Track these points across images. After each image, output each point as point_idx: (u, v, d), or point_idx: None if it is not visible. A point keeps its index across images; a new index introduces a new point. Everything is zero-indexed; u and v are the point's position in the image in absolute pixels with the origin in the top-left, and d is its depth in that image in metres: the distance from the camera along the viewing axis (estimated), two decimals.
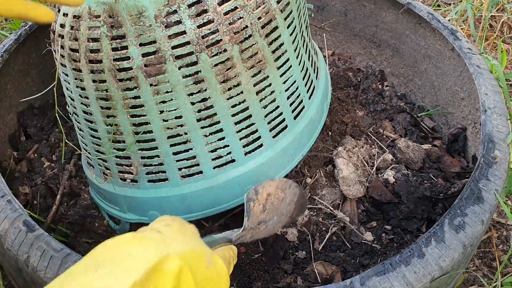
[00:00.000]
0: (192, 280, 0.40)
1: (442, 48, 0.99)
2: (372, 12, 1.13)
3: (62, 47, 0.60)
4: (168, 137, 0.60)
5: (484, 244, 1.00)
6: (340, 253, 0.76)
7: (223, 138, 0.61)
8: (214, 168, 0.63)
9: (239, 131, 0.62)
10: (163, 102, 0.58)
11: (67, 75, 0.63)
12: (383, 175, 0.86)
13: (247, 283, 0.71)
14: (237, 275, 0.71)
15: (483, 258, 0.98)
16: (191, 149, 0.61)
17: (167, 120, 0.59)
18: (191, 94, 0.58)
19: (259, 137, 0.63)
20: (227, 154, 0.62)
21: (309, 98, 0.70)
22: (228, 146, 0.62)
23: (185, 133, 0.60)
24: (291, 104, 0.66)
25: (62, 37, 0.60)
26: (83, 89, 0.61)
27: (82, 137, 0.68)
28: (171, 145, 0.61)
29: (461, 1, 1.52)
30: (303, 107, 0.69)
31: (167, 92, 0.57)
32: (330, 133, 0.90)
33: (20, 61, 0.96)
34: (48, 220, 0.78)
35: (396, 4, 1.06)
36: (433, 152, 0.91)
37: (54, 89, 0.69)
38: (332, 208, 0.81)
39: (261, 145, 0.64)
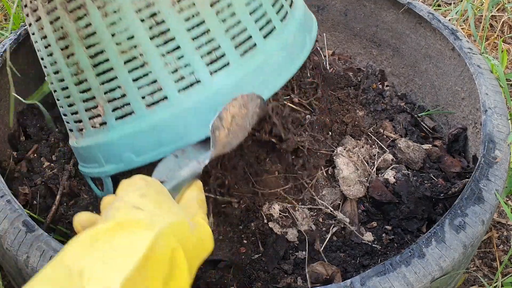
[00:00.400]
0: (184, 258, 0.38)
1: (443, 48, 0.99)
2: (372, 12, 1.13)
3: (25, 5, 0.62)
4: (125, 62, 0.58)
5: (484, 244, 1.00)
6: (341, 253, 0.76)
7: (182, 57, 0.58)
8: (178, 91, 0.59)
9: (199, 47, 0.58)
10: (113, 24, 0.56)
11: (34, 34, 0.64)
12: (383, 175, 0.86)
13: (247, 283, 0.71)
14: (237, 275, 0.71)
15: (483, 258, 0.98)
16: (150, 72, 0.58)
17: (120, 43, 0.57)
18: (139, 10, 0.56)
19: (223, 54, 0.59)
20: (190, 74, 0.58)
21: (281, 21, 0.66)
22: (189, 65, 0.58)
23: (141, 55, 0.57)
24: (256, 21, 0.62)
25: None
26: (45, 37, 0.61)
27: (58, 99, 0.68)
28: (130, 71, 0.58)
29: (461, 1, 1.52)
30: (274, 28, 0.65)
31: (114, 12, 0.56)
32: (330, 133, 0.90)
33: (20, 61, 0.96)
34: (48, 220, 0.78)
35: (396, 4, 1.06)
36: (433, 152, 0.91)
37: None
38: (332, 209, 0.81)
39: (227, 64, 0.59)
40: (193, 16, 0.58)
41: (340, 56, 1.21)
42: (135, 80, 0.58)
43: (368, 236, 0.78)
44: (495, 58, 1.35)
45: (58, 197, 0.82)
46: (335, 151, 0.86)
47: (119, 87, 0.59)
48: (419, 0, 1.48)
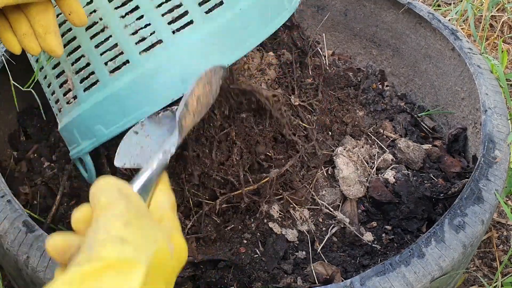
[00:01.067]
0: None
1: (443, 48, 0.99)
2: (372, 12, 1.13)
3: None
4: (86, 29, 0.57)
5: (484, 244, 1.00)
6: (340, 253, 0.76)
7: (142, 17, 0.56)
8: (140, 53, 0.57)
9: (159, 5, 0.56)
10: None
11: None
12: (383, 175, 0.86)
13: (247, 283, 0.71)
14: (237, 275, 0.71)
15: (483, 258, 0.98)
16: (111, 36, 0.57)
17: None
18: None
19: (186, 12, 0.57)
20: (151, 34, 0.56)
21: None
22: (149, 24, 0.56)
23: (100, 19, 0.57)
24: None
25: None
26: None
27: (42, 84, 0.68)
28: (91, 38, 0.57)
29: (461, 1, 1.52)
30: None
31: None
32: (330, 133, 0.90)
33: (20, 61, 0.96)
34: (48, 220, 0.78)
35: (396, 4, 1.06)
36: (433, 152, 0.91)
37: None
38: (332, 209, 0.81)
39: (191, 22, 0.57)
40: None
41: (340, 56, 1.21)
42: (97, 46, 0.57)
43: (368, 236, 0.78)
44: (495, 58, 1.35)
45: (58, 197, 0.82)
46: (335, 151, 0.86)
47: (83, 56, 0.58)
48: (419, 0, 1.48)
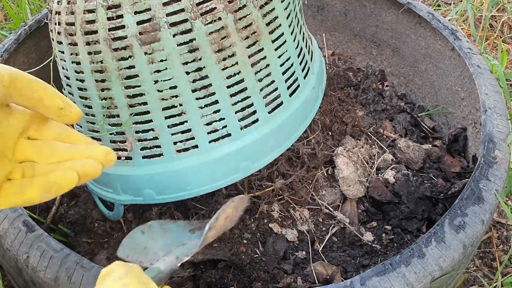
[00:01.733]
0: None
1: (443, 48, 0.99)
2: (372, 12, 1.13)
3: (58, 23, 0.60)
4: (163, 109, 0.59)
5: (484, 244, 1.00)
6: (340, 253, 0.76)
7: (218, 111, 0.60)
8: (209, 142, 0.62)
9: (235, 103, 0.61)
10: (158, 71, 0.57)
11: (63, 53, 0.63)
12: (383, 175, 0.86)
13: (247, 283, 0.71)
14: (237, 275, 0.71)
15: (483, 258, 0.98)
16: (186, 121, 0.60)
17: (161, 91, 0.58)
18: (186, 63, 0.57)
19: (254, 111, 0.63)
20: (223, 127, 0.62)
21: (304, 77, 0.70)
22: (223, 119, 0.61)
23: (180, 105, 0.59)
24: (286, 80, 0.65)
25: (59, 13, 0.60)
26: (78, 63, 0.61)
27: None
28: (166, 118, 0.60)
29: (461, 1, 1.52)
30: (298, 85, 0.68)
31: (161, 60, 0.57)
32: (330, 133, 0.90)
33: (20, 61, 0.96)
34: (48, 220, 0.78)
35: (396, 4, 1.06)
36: (433, 152, 0.91)
37: (51, 64, 0.69)
38: (331, 210, 0.81)
39: (256, 120, 0.63)
40: (234, 74, 0.60)
41: (340, 56, 1.21)
42: (170, 126, 0.60)
43: (368, 236, 0.78)
44: (495, 58, 1.35)
45: (58, 197, 0.82)
46: (335, 151, 0.86)
47: (152, 129, 0.61)
48: (419, 0, 1.48)
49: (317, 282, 0.71)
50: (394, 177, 0.85)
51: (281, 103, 0.65)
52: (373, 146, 0.91)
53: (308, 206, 0.81)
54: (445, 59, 0.99)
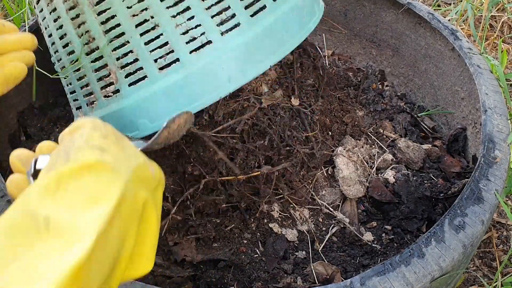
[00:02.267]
0: (154, 210, 0.36)
1: (442, 48, 0.99)
2: (372, 12, 1.13)
3: None
4: (136, 26, 0.58)
5: (484, 244, 1.00)
6: (340, 253, 0.76)
7: (192, 17, 0.58)
8: (190, 52, 0.59)
9: (209, 7, 0.59)
10: None
11: (42, 11, 0.64)
12: (383, 175, 0.86)
13: (247, 283, 0.71)
14: (237, 275, 0.71)
15: (483, 258, 0.98)
16: (162, 34, 0.59)
17: (131, 7, 0.58)
18: None
19: (234, 15, 0.60)
20: (201, 35, 0.59)
21: None
22: (200, 25, 0.59)
23: (152, 17, 0.58)
24: None
25: None
26: (54, 10, 0.62)
27: (65, 77, 0.68)
28: (141, 35, 0.59)
29: (461, 1, 1.52)
30: None
31: None
32: (330, 133, 0.90)
33: None
34: None
35: (396, 4, 1.06)
36: (433, 152, 0.91)
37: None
38: (332, 209, 0.81)
39: (238, 24, 0.60)
40: None
41: (340, 56, 1.21)
42: (147, 43, 0.59)
43: (368, 236, 0.78)
44: (495, 58, 1.35)
45: None
46: (335, 151, 0.86)
47: (131, 51, 0.59)
48: (418, 0, 1.48)
49: (317, 282, 0.71)
50: (394, 177, 0.85)
51: (264, 6, 0.62)
52: (373, 146, 0.91)
53: (308, 206, 0.81)
54: (445, 59, 0.99)
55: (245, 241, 0.76)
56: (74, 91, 0.67)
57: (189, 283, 0.70)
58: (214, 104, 0.71)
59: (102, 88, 0.63)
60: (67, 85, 0.69)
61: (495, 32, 1.48)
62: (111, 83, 0.62)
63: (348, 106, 0.96)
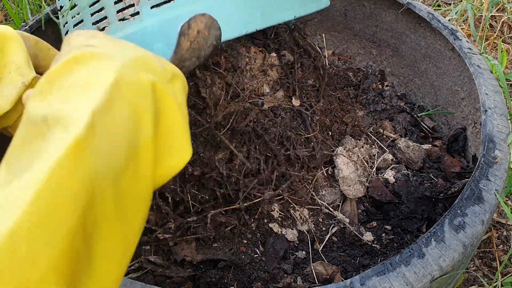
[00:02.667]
0: (167, 91, 0.34)
1: (442, 48, 0.99)
2: (372, 12, 1.13)
3: None
4: None
5: (484, 244, 1.00)
6: (340, 253, 0.76)
7: None
8: None
9: None
10: None
11: None
12: (383, 175, 0.86)
13: (247, 283, 0.71)
14: (237, 275, 0.71)
15: (483, 258, 0.98)
16: None
17: None
18: None
19: None
20: None
21: None
22: None
23: None
24: None
25: None
26: None
27: (75, 4, 0.66)
28: None
29: (461, 1, 1.52)
30: None
31: None
32: (330, 133, 0.90)
33: None
34: None
35: (396, 4, 1.06)
36: (433, 152, 0.91)
37: None
38: (332, 209, 0.81)
39: None
40: None
41: (340, 56, 1.21)
42: None
43: (368, 236, 0.78)
44: (494, 58, 1.35)
45: None
46: (335, 151, 0.86)
47: None
48: (418, 0, 1.48)
49: (317, 282, 0.71)
50: (394, 177, 0.85)
51: None
52: (373, 146, 0.91)
53: (308, 206, 0.81)
54: (445, 59, 0.99)
55: (245, 241, 0.76)
56: (83, 20, 0.64)
57: (189, 283, 0.70)
58: (214, 105, 0.71)
59: (118, 11, 0.60)
60: (72, 17, 0.66)
61: (495, 32, 1.48)
62: (131, 5, 0.59)
63: (348, 106, 0.96)
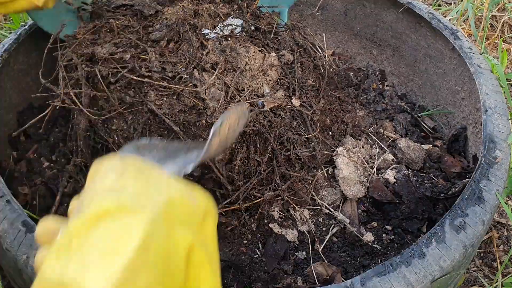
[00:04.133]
0: (202, 252, 0.29)
1: (443, 47, 0.99)
2: (372, 11, 1.13)
3: None
4: None
5: (485, 245, 1.00)
6: (341, 254, 0.76)
7: None
8: None
9: None
10: None
11: None
12: (383, 175, 0.85)
13: (247, 283, 0.71)
14: (237, 275, 0.71)
15: (483, 258, 0.97)
16: None
17: None
18: None
19: None
20: None
21: None
22: None
23: None
24: None
25: None
26: None
27: None
28: None
29: (461, 1, 1.52)
30: None
31: None
32: (330, 133, 0.90)
33: (20, 61, 0.96)
34: None
35: (396, 3, 1.06)
36: (433, 152, 0.91)
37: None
38: (332, 210, 0.80)
39: None
40: None
41: (340, 56, 1.21)
42: None
43: (368, 236, 0.78)
44: (495, 58, 1.35)
45: (58, 197, 0.81)
46: (336, 151, 0.86)
47: None
48: (419, 0, 1.48)
49: (317, 283, 0.71)
50: (394, 177, 0.84)
51: None
52: (374, 146, 0.91)
53: (308, 207, 0.81)
54: (445, 59, 0.99)
55: (245, 242, 0.76)
56: None
57: None
58: (213, 105, 0.71)
59: None
60: None
61: (495, 32, 1.48)
62: None
63: (349, 106, 0.96)
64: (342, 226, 0.79)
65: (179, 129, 0.70)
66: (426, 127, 1.00)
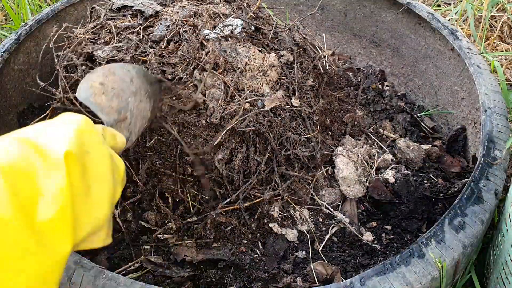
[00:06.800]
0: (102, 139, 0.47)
1: (442, 48, 0.99)
2: (372, 12, 1.13)
3: None
4: None
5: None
6: (340, 253, 0.76)
7: None
8: None
9: None
10: None
11: None
12: (383, 175, 0.86)
13: (247, 283, 0.71)
14: (237, 275, 0.71)
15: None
16: None
17: None
18: None
19: None
20: None
21: None
22: None
23: None
24: None
25: None
26: None
27: None
28: None
29: (461, 1, 1.52)
30: None
31: None
32: (330, 133, 0.90)
33: (20, 61, 0.96)
34: None
35: (396, 4, 1.06)
36: (433, 152, 0.91)
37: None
38: (332, 209, 0.81)
39: None
40: None
41: (340, 56, 1.21)
42: None
43: (368, 236, 0.78)
44: (494, 57, 1.35)
45: None
46: (335, 151, 0.86)
47: None
48: (418, 0, 1.48)
49: (317, 282, 0.71)
50: (394, 177, 0.85)
51: None
52: (373, 146, 0.91)
53: (308, 206, 0.81)
54: (445, 59, 0.99)
55: (245, 241, 0.76)
56: None
57: (189, 283, 0.70)
58: (213, 106, 0.71)
59: None
60: None
61: (495, 32, 1.48)
62: None
63: (348, 106, 0.96)
64: (342, 226, 0.79)
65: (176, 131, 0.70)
66: (426, 127, 1.00)
